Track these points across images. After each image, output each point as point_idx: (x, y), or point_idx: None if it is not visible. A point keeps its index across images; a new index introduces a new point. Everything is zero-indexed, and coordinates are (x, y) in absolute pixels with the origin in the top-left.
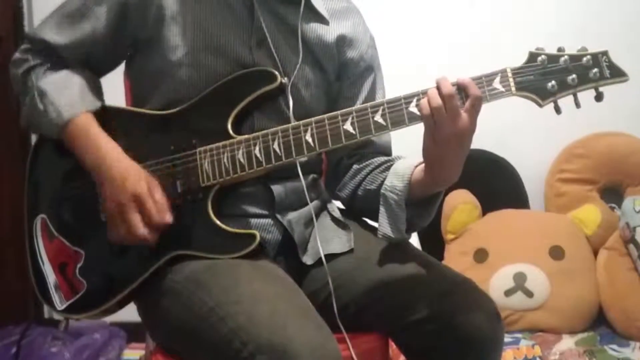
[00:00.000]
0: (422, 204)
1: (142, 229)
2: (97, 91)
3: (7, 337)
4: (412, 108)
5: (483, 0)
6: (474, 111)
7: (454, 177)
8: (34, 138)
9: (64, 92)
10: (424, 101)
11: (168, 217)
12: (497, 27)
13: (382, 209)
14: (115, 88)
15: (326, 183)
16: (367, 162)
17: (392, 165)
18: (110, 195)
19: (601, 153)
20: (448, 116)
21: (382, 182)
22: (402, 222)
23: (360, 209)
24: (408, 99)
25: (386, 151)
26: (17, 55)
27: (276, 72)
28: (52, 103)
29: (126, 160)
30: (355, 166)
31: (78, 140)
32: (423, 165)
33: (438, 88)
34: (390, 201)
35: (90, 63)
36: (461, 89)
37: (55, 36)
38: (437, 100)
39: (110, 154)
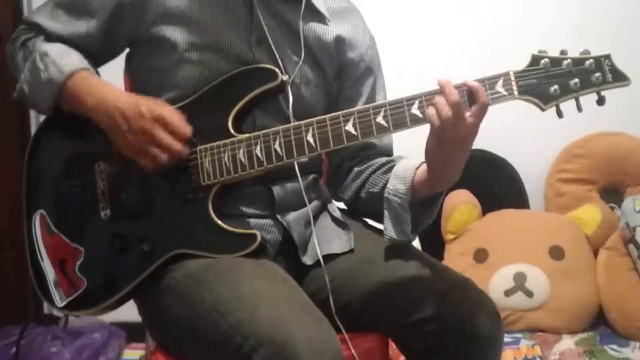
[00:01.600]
0: (425, 204)
1: (177, 143)
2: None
3: (7, 337)
4: (414, 110)
5: (483, 0)
6: (481, 116)
7: (455, 178)
8: (33, 133)
9: (64, 55)
10: (432, 111)
11: (187, 128)
12: (497, 27)
13: (386, 213)
14: None
15: (328, 185)
16: (368, 164)
17: (393, 166)
18: (128, 127)
19: (601, 153)
20: (455, 122)
21: (385, 184)
22: (407, 223)
23: (363, 211)
24: (410, 100)
25: (387, 153)
26: (14, 35)
27: (277, 70)
28: (53, 62)
29: (126, 93)
30: (356, 169)
31: (78, 90)
32: (424, 166)
33: (445, 95)
34: (394, 204)
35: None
36: (467, 92)
37: (49, 22)
38: (448, 112)
39: (111, 90)
